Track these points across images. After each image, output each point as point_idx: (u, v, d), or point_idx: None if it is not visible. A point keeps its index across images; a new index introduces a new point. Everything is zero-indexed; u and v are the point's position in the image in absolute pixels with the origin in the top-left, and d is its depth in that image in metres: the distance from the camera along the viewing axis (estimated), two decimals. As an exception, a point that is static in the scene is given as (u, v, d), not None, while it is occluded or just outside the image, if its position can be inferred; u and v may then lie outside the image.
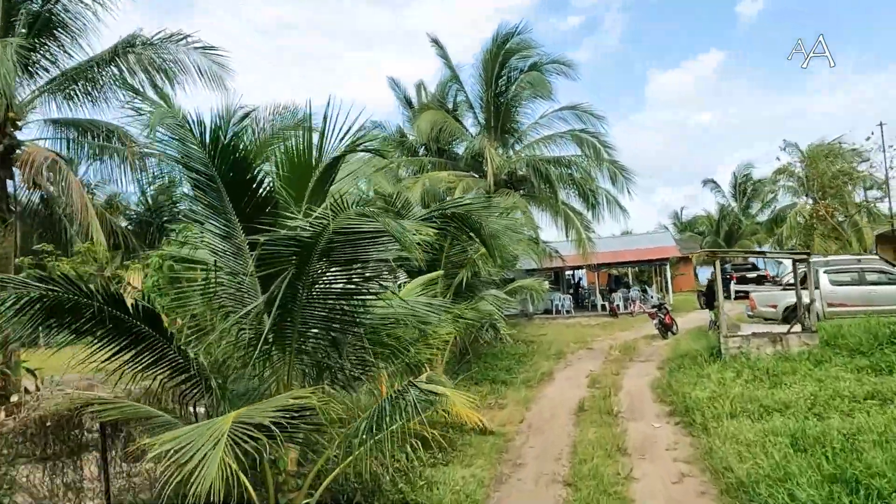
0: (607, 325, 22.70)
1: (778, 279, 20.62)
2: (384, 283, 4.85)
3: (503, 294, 12.98)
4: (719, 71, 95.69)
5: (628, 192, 21.36)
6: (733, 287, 25.18)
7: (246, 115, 8.53)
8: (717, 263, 11.56)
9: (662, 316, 17.67)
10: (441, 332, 8.80)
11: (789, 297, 15.88)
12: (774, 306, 15.88)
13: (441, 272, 9.01)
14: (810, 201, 31.98)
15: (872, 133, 23.31)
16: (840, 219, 30.03)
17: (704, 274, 49.59)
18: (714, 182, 48.05)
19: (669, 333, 17.66)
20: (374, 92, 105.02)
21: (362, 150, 4.94)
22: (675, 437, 7.78)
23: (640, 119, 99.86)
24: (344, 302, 4.54)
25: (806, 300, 12.05)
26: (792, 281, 17.21)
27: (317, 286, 4.40)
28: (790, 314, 15.76)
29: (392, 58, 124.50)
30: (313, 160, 4.60)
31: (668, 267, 26.16)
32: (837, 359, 10.12)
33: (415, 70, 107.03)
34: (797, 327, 11.42)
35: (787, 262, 18.72)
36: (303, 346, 4.66)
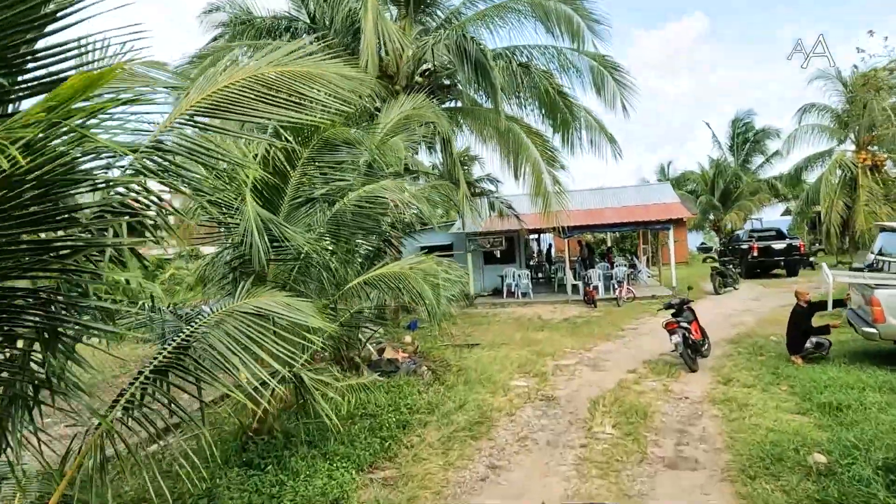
0: (581, 323, 14.39)
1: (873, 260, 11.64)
2: None
3: (304, 304, 4.27)
4: (699, 37, 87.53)
5: (623, 106, 12.61)
6: (829, 274, 10.00)
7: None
8: None
9: (687, 325, 9.32)
10: None
11: (965, 302, 7.66)
12: (928, 319, 7.61)
13: None
14: (851, 149, 24.12)
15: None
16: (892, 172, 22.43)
17: (694, 241, 41.99)
18: (709, 126, 39.89)
19: (698, 358, 9.40)
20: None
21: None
22: None
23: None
24: None
25: None
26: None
27: None
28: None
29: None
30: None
31: (670, 232, 17.81)
32: None
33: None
34: None
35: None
36: None
